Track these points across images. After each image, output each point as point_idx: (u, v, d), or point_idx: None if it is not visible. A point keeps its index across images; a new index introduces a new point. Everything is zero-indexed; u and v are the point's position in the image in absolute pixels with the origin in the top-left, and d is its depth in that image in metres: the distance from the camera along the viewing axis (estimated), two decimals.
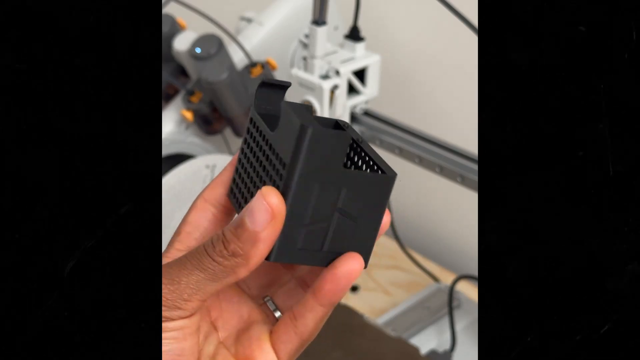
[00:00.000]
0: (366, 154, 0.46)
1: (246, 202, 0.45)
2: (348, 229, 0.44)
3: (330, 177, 0.43)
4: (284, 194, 0.42)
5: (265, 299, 0.48)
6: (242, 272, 0.43)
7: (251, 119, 0.46)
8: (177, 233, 0.50)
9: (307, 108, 0.45)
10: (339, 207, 0.43)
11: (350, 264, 0.44)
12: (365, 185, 0.43)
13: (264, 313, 0.48)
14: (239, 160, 0.47)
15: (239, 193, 0.47)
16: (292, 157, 0.42)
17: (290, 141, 0.42)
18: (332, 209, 0.43)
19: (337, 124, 0.47)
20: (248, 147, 0.47)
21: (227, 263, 0.43)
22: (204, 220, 0.49)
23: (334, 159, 0.43)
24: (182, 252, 0.48)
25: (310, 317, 0.45)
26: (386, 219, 0.45)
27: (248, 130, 0.47)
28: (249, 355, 0.45)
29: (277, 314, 0.48)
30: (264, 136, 0.45)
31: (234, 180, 0.48)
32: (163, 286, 0.44)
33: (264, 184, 0.44)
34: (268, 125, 0.45)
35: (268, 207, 0.42)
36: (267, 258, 0.43)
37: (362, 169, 0.46)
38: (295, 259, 0.44)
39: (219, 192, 0.49)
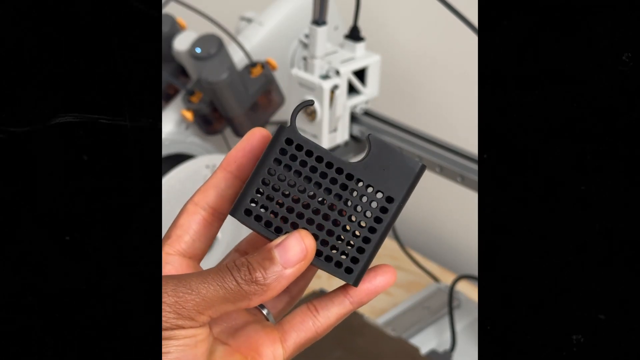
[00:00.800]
0: None
1: (286, 223, 0.45)
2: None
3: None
4: (385, 224, 0.47)
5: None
6: (256, 301, 0.43)
7: (290, 140, 0.46)
8: (167, 237, 0.50)
9: (394, 148, 0.49)
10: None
11: (388, 274, 0.47)
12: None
13: (250, 312, 0.48)
14: (265, 181, 0.46)
15: (274, 215, 0.46)
16: (398, 191, 0.48)
17: (401, 177, 0.48)
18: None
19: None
20: (289, 170, 0.46)
21: (247, 288, 0.43)
22: (194, 224, 0.50)
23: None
24: (172, 255, 0.49)
25: (335, 311, 0.46)
26: (393, 277, 0.47)
27: (283, 152, 0.46)
28: (253, 344, 0.45)
29: (264, 310, 0.48)
30: (333, 165, 0.46)
31: (252, 200, 0.46)
32: (181, 293, 0.44)
33: (342, 210, 0.45)
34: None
35: (304, 248, 0.43)
36: (355, 284, 0.47)
37: None
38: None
39: (210, 195, 0.49)
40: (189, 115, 0.96)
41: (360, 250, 0.46)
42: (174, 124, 0.98)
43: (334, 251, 0.46)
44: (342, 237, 0.46)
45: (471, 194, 0.84)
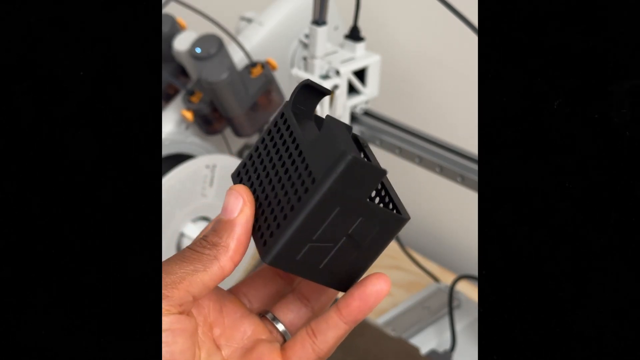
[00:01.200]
0: (385, 189, 0.49)
1: (261, 187, 0.46)
2: (349, 254, 0.46)
3: (352, 205, 0.44)
4: (303, 205, 0.43)
5: (267, 314, 0.48)
6: (225, 260, 0.44)
7: (282, 114, 0.46)
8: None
9: (348, 128, 0.47)
10: (349, 233, 0.45)
11: (379, 284, 0.45)
12: (380, 220, 0.45)
13: (267, 329, 0.47)
14: (256, 147, 0.47)
15: (252, 177, 0.47)
16: (323, 176, 0.43)
17: (327, 160, 0.43)
18: (343, 234, 0.45)
19: (355, 139, 0.48)
20: (271, 141, 0.47)
21: (208, 252, 0.44)
22: None
23: (361, 189, 0.44)
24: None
25: (332, 334, 0.44)
26: (386, 287, 0.45)
27: (276, 124, 0.47)
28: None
29: (280, 326, 0.47)
30: (295, 140, 0.45)
31: (244, 164, 0.48)
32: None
33: (284, 184, 0.45)
34: (301, 129, 0.45)
35: (238, 195, 0.44)
36: (264, 259, 0.44)
37: (377, 201, 0.48)
38: (291, 268, 0.45)
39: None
40: (189, 115, 0.96)
41: (278, 226, 0.44)
42: (174, 124, 0.98)
43: (264, 222, 0.45)
44: (273, 210, 0.44)
45: (471, 194, 0.84)
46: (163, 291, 0.44)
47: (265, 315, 0.48)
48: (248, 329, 0.47)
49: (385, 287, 0.44)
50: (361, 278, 0.45)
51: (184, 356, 0.43)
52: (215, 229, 0.44)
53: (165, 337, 0.43)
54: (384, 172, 0.45)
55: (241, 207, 0.44)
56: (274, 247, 0.44)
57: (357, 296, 0.44)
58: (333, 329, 0.44)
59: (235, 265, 0.45)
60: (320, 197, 0.43)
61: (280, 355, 0.45)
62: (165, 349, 0.43)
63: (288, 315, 0.48)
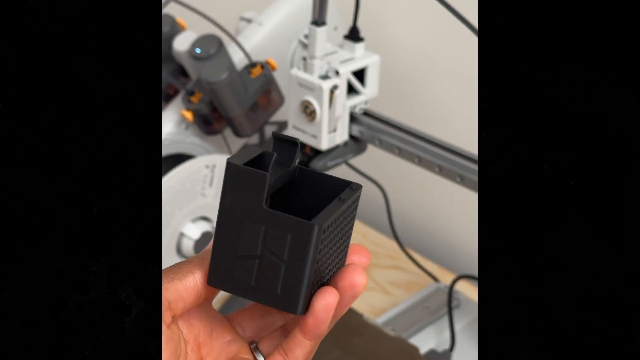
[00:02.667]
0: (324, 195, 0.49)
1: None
2: (276, 269, 0.45)
3: (252, 214, 0.45)
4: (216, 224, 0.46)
5: (252, 345, 0.50)
6: (199, 274, 0.47)
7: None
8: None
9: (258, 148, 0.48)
10: (267, 245, 0.45)
11: (326, 298, 0.45)
12: (286, 228, 0.45)
13: (252, 355, 0.50)
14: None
15: None
16: (222, 190, 0.46)
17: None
18: (261, 246, 0.46)
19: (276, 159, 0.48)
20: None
21: (185, 266, 0.48)
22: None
23: (252, 195, 0.45)
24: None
25: (299, 352, 0.47)
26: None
27: None
28: None
29: (260, 357, 0.49)
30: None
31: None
32: None
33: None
34: None
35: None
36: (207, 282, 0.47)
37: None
38: (228, 287, 0.47)
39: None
40: (188, 115, 0.96)
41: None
42: (173, 124, 0.99)
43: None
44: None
45: (470, 194, 0.85)
46: None
47: (251, 344, 0.50)
48: (233, 352, 0.49)
49: (332, 300, 0.45)
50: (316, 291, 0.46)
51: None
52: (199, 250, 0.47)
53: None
54: (264, 175, 0.45)
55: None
56: (209, 268, 0.47)
57: (309, 314, 0.45)
58: (299, 347, 0.47)
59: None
60: (220, 209, 0.46)
61: None
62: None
63: (272, 346, 0.50)
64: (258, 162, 0.47)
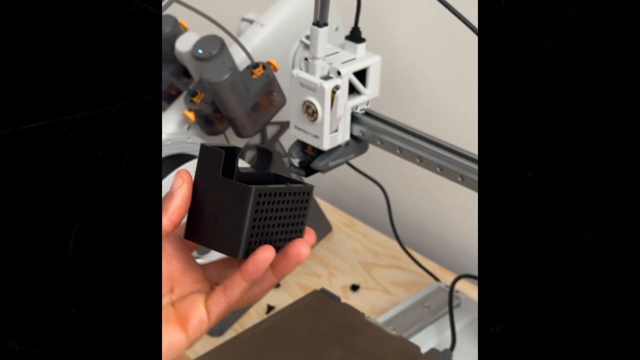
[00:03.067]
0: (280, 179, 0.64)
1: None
2: (227, 224, 0.60)
3: (211, 181, 0.60)
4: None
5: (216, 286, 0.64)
6: (164, 218, 0.61)
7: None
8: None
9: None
10: (221, 206, 0.60)
11: (264, 252, 0.60)
12: (234, 191, 0.59)
13: (201, 285, 0.65)
14: None
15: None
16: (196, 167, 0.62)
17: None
18: (217, 207, 0.60)
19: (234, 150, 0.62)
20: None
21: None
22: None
23: (212, 167, 0.60)
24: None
25: (237, 289, 0.61)
26: (305, 251, 0.62)
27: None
28: (187, 312, 0.62)
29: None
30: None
31: None
32: None
33: None
34: None
35: (179, 176, 0.62)
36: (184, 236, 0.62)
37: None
38: (197, 240, 0.62)
39: None
40: (191, 115, 0.97)
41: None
42: (176, 124, 0.99)
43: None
44: None
45: (471, 193, 0.85)
46: None
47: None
48: (197, 288, 0.65)
49: (270, 255, 0.60)
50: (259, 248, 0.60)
51: None
52: (163, 200, 0.62)
53: None
54: (220, 152, 0.60)
55: (180, 183, 0.61)
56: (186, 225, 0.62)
57: (251, 262, 0.60)
58: (237, 286, 0.61)
59: (174, 225, 0.61)
60: (194, 182, 0.62)
61: (204, 303, 0.62)
62: None
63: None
64: (228, 150, 0.61)
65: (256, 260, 0.59)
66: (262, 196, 0.59)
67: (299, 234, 0.63)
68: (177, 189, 0.61)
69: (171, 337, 0.61)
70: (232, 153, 0.62)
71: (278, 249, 0.61)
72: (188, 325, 0.62)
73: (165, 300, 0.63)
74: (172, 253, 0.64)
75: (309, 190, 0.63)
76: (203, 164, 0.61)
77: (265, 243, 0.60)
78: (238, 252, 0.60)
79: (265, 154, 0.65)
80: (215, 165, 0.60)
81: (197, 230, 0.62)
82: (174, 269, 0.64)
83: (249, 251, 0.60)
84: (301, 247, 0.61)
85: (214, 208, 0.60)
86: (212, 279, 0.66)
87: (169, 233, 0.62)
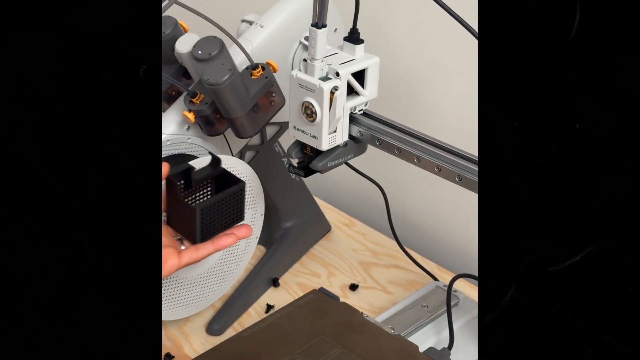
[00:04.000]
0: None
1: None
2: (190, 222, 0.87)
3: (175, 198, 0.87)
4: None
5: (177, 238, 0.89)
6: None
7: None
8: None
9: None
10: (183, 213, 0.87)
11: (228, 240, 0.89)
12: (187, 207, 0.87)
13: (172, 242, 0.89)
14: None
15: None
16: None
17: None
18: (182, 213, 0.88)
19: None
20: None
21: None
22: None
23: (173, 191, 0.86)
24: None
25: (205, 251, 0.88)
26: (231, 241, 0.90)
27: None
28: (165, 258, 0.84)
29: (183, 246, 0.89)
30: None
31: None
32: None
33: None
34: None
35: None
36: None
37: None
38: (175, 229, 0.89)
39: None
40: (190, 116, 0.97)
41: None
42: (175, 125, 0.99)
43: None
44: None
45: (469, 193, 0.86)
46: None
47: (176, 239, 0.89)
48: (168, 243, 0.88)
49: (231, 241, 0.89)
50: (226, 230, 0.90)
51: None
52: None
53: None
54: (174, 182, 0.85)
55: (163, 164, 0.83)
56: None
57: (224, 240, 0.89)
58: (207, 248, 0.88)
59: None
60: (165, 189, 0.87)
61: (177, 254, 0.86)
62: None
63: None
64: (184, 171, 0.88)
65: (227, 241, 0.88)
66: (204, 210, 0.86)
67: (240, 217, 0.91)
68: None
69: None
70: (188, 171, 0.87)
71: (223, 229, 0.89)
72: (166, 262, 0.85)
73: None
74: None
75: (241, 188, 0.89)
76: (168, 184, 0.86)
77: (212, 229, 0.88)
78: (195, 240, 0.87)
79: (214, 158, 0.89)
80: (175, 189, 0.86)
81: (172, 222, 0.88)
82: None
83: (202, 237, 0.87)
84: (229, 239, 0.89)
85: (180, 213, 0.87)
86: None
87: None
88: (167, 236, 0.88)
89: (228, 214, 0.89)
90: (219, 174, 0.89)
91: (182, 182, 0.86)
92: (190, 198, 0.88)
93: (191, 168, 0.87)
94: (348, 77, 0.89)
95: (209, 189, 0.90)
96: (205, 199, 0.89)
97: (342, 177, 1.35)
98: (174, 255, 0.86)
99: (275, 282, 1.16)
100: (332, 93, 0.87)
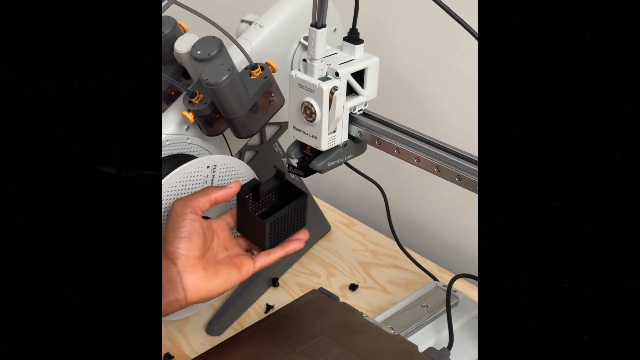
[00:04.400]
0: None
1: None
2: (260, 232, 0.96)
3: (245, 210, 0.97)
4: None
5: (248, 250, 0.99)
6: (215, 190, 0.95)
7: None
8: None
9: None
10: (252, 224, 0.98)
11: (296, 244, 0.98)
12: (257, 220, 0.97)
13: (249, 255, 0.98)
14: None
15: None
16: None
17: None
18: (251, 224, 0.97)
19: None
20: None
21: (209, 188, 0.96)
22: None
23: (244, 204, 0.97)
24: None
25: (276, 255, 0.96)
26: (298, 245, 0.99)
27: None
28: (241, 262, 0.94)
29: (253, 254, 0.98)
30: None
31: None
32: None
33: None
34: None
35: (233, 185, 0.95)
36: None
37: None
38: (245, 236, 0.99)
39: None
40: (189, 116, 0.97)
41: None
42: (175, 125, 1.00)
43: None
44: None
45: (469, 194, 0.86)
46: (186, 208, 0.92)
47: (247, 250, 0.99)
48: (240, 250, 0.97)
49: (298, 246, 0.98)
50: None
51: (196, 233, 0.91)
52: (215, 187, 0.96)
53: (184, 221, 0.91)
54: (246, 199, 0.96)
55: (232, 187, 0.95)
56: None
57: (291, 246, 0.98)
58: (277, 252, 0.96)
59: (224, 198, 0.94)
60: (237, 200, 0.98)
61: (252, 261, 0.95)
62: (185, 228, 0.90)
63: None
64: (253, 187, 0.97)
65: (294, 247, 0.97)
66: (272, 223, 0.95)
67: (303, 224, 0.99)
68: (226, 189, 0.94)
69: (233, 276, 0.93)
70: (256, 186, 0.97)
71: (289, 236, 0.98)
72: (242, 269, 0.93)
73: (223, 255, 0.95)
74: (226, 229, 0.96)
75: (304, 200, 0.97)
76: (239, 201, 0.96)
77: (279, 238, 0.97)
78: (264, 248, 0.96)
79: (278, 174, 0.99)
80: (246, 204, 0.96)
81: (243, 233, 0.98)
82: (225, 236, 0.96)
83: (270, 245, 0.96)
84: (296, 244, 0.98)
85: (251, 225, 0.97)
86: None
87: (218, 201, 0.94)
88: (239, 245, 0.98)
89: (293, 223, 0.97)
90: (283, 185, 0.98)
91: (251, 194, 0.96)
92: (258, 209, 0.98)
93: (259, 183, 0.96)
94: (347, 77, 0.89)
95: (274, 198, 0.99)
96: (270, 206, 0.99)
97: (341, 177, 1.35)
98: (249, 260, 0.94)
99: (274, 282, 1.16)
100: (331, 93, 0.87)
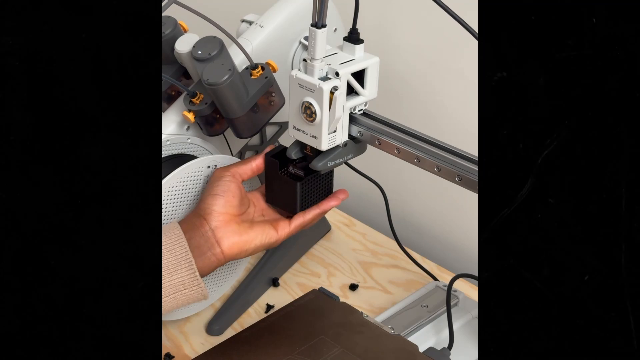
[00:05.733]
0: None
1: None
2: (291, 196, 0.96)
3: (275, 175, 0.97)
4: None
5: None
6: (253, 160, 0.97)
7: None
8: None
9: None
10: (283, 189, 0.97)
11: (334, 201, 0.99)
12: (288, 182, 0.96)
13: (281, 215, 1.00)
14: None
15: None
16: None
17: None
18: (282, 189, 0.97)
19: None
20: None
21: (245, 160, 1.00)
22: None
23: (274, 167, 0.97)
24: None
25: (312, 213, 0.97)
26: (336, 202, 1.00)
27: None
28: (277, 223, 0.95)
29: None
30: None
31: None
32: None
33: None
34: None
35: (260, 159, 0.98)
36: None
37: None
38: (275, 205, 0.99)
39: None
40: (190, 116, 0.97)
41: None
42: (175, 125, 1.00)
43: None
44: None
45: (469, 193, 0.86)
46: (225, 172, 0.95)
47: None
48: (277, 216, 0.98)
49: (334, 203, 0.99)
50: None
51: (231, 193, 0.93)
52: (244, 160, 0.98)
53: (220, 180, 0.93)
54: (285, 147, 0.96)
55: (258, 160, 0.97)
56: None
57: (328, 203, 0.98)
58: (313, 211, 0.97)
59: (259, 170, 0.97)
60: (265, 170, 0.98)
61: (287, 222, 0.96)
62: (220, 187, 0.93)
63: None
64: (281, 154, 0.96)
65: (331, 203, 0.98)
66: (303, 183, 0.95)
67: (330, 191, 1.00)
68: (253, 161, 0.96)
69: (269, 232, 0.94)
70: (282, 151, 0.96)
71: (317, 202, 0.98)
72: (278, 228, 0.94)
73: (260, 218, 0.97)
74: (261, 199, 0.98)
75: (331, 170, 0.98)
76: (268, 164, 0.96)
77: (309, 202, 0.97)
78: (296, 211, 0.96)
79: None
80: (275, 168, 0.96)
81: (272, 199, 0.98)
82: (262, 205, 0.98)
83: (302, 208, 0.97)
84: (334, 200, 0.99)
85: (281, 188, 0.96)
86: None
87: (254, 172, 0.96)
88: (271, 212, 0.99)
89: (320, 190, 0.98)
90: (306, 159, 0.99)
91: (278, 161, 0.95)
92: (287, 175, 0.97)
93: (285, 148, 0.96)
94: (348, 77, 0.89)
95: (299, 172, 0.98)
96: (297, 177, 0.97)
97: (341, 177, 1.35)
98: (285, 221, 0.95)
99: (275, 282, 1.16)
100: (331, 93, 0.87)
